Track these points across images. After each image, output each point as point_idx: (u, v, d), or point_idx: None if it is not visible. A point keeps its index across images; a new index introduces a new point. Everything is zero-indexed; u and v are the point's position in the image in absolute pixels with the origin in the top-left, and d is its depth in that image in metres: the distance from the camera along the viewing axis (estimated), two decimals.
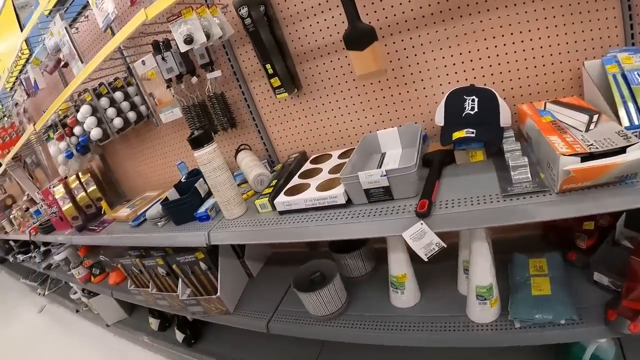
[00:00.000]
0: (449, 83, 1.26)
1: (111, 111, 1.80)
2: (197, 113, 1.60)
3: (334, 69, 1.40)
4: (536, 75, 1.17)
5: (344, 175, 1.06)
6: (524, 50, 1.15)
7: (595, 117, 0.87)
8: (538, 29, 1.11)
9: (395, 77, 1.32)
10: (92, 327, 2.82)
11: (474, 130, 1.02)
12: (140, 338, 2.34)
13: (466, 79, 1.24)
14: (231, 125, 1.59)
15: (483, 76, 1.22)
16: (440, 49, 1.22)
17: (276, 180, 1.34)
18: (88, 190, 2.12)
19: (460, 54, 1.21)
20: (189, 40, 1.30)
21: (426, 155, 1.15)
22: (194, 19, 1.29)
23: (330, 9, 1.29)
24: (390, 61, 1.29)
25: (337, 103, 1.44)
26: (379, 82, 1.35)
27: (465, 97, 1.09)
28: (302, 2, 1.34)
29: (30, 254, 3.44)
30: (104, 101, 1.79)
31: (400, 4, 1.22)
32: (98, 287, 2.39)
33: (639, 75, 0.91)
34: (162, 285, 1.76)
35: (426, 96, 1.31)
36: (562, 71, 1.14)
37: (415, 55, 1.26)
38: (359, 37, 1.15)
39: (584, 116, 0.87)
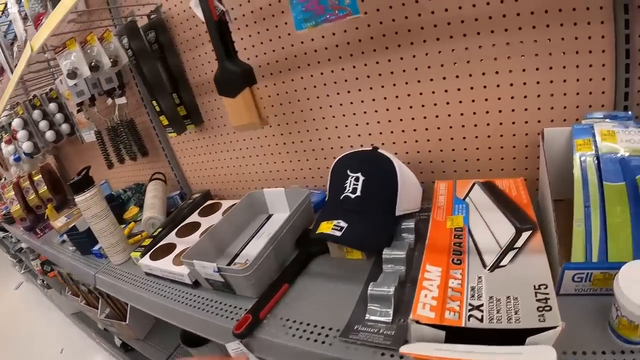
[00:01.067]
0: (359, 135, 1.01)
1: (44, 124, 1.73)
2: (111, 138, 1.49)
3: None
4: (475, 137, 0.87)
5: (183, 258, 0.90)
6: (459, 102, 0.86)
7: (525, 236, 0.59)
8: (485, 72, 0.80)
9: (305, 121, 1.07)
10: (57, 313, 2.84)
11: (345, 226, 0.76)
12: (91, 334, 2.37)
13: (381, 132, 0.98)
14: (142, 153, 1.47)
15: (403, 131, 0.95)
16: (360, 90, 0.96)
17: (160, 230, 1.21)
18: (39, 191, 2.10)
19: (385, 98, 0.95)
20: (71, 75, 1.17)
21: (302, 236, 0.93)
22: (77, 50, 1.16)
23: (239, 29, 1.04)
24: (299, 100, 1.05)
25: (238, 143, 1.23)
26: (287, 123, 1.11)
27: (349, 173, 0.83)
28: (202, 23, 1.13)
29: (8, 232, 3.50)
30: (36, 114, 1.73)
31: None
32: (52, 281, 2.42)
33: (621, 166, 0.56)
34: (87, 299, 1.74)
35: (332, 148, 1.07)
36: (513, 135, 0.84)
37: (328, 95, 1.01)
38: (229, 80, 0.92)
39: (508, 229, 0.62)
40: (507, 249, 0.58)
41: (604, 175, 0.56)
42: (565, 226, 0.57)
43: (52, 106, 1.73)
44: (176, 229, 1.17)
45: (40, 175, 2.11)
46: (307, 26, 0.80)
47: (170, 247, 1.09)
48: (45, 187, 2.09)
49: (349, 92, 0.97)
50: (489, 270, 0.55)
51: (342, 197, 0.82)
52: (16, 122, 1.71)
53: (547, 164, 0.67)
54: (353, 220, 0.77)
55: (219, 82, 0.96)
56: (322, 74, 0.98)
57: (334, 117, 1.02)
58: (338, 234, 0.76)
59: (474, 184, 0.79)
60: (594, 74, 0.73)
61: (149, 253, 1.09)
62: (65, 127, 1.76)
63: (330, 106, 1.01)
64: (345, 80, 0.96)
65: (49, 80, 1.72)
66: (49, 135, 1.73)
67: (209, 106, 1.23)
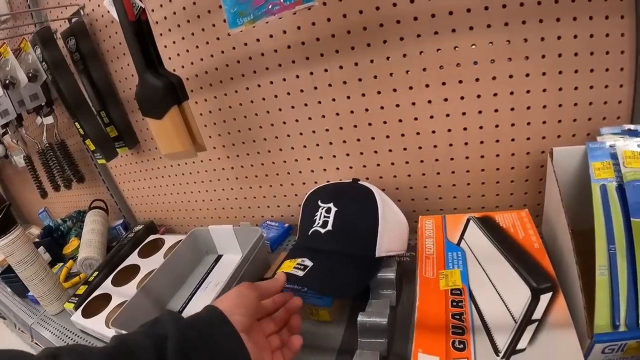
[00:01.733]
0: (321, 158, 0.82)
1: None
2: (43, 162, 1.27)
3: None
4: (466, 158, 0.71)
5: (112, 324, 0.70)
6: (446, 116, 0.69)
7: (545, 301, 0.43)
8: (479, 78, 0.64)
9: (254, 141, 0.87)
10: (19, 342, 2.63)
11: (309, 265, 0.58)
12: None
13: (347, 154, 0.79)
14: (78, 179, 1.25)
15: (375, 152, 0.76)
16: (319, 102, 0.76)
17: (96, 274, 1.01)
18: None
19: (352, 112, 0.76)
20: None
21: None
22: None
23: (170, 30, 0.83)
24: (245, 116, 0.85)
25: (179, 167, 1.03)
26: (232, 145, 0.90)
27: (320, 204, 0.66)
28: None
29: None
30: None
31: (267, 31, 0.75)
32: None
33: None
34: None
35: (288, 173, 0.88)
36: (512, 154, 0.68)
37: (280, 110, 0.81)
38: (151, 97, 0.72)
39: (521, 291, 0.45)
40: (524, 322, 0.42)
41: (631, 209, 0.43)
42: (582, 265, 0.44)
43: None
44: (112, 275, 0.97)
45: None
46: (243, 22, 0.61)
47: (105, 299, 0.91)
48: None
49: (306, 104, 0.77)
50: (503, 358, 0.40)
51: (310, 232, 0.64)
52: None
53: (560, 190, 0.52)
54: (320, 259, 0.60)
55: (141, 100, 0.76)
56: (271, 82, 0.78)
57: (288, 135, 0.82)
58: (300, 273, 0.58)
59: (468, 221, 0.62)
60: (611, 80, 0.59)
61: (82, 307, 0.90)
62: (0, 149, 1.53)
63: (284, 123, 0.81)
64: (301, 91, 0.76)
65: None
66: None
67: (143, 124, 1.03)
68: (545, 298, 0.44)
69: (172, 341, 0.39)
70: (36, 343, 1.08)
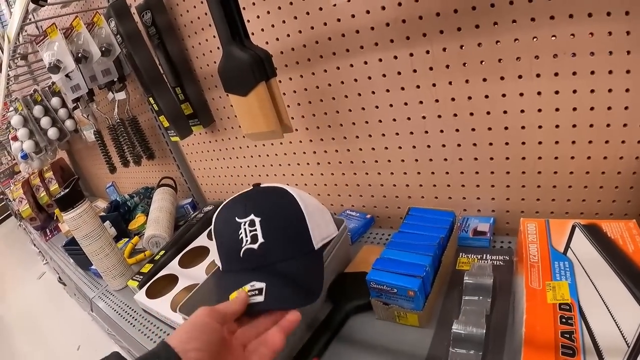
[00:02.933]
0: (414, 147, 0.75)
1: (45, 121, 1.55)
2: (113, 138, 1.28)
3: None
4: (555, 158, 0.64)
5: (179, 310, 0.68)
6: (557, 110, 0.60)
7: None
8: (594, 71, 0.55)
9: (341, 125, 0.81)
10: (77, 308, 2.78)
11: (263, 286, 0.53)
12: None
13: (443, 145, 0.72)
14: (148, 156, 1.25)
15: (474, 144, 0.69)
16: (417, 86, 0.70)
17: (162, 253, 1.00)
18: (50, 189, 1.96)
19: (453, 99, 0.69)
20: (54, 69, 0.96)
21: (336, 283, 0.70)
22: (59, 39, 0.95)
23: (254, 4, 0.78)
24: (333, 98, 0.79)
25: (256, 149, 0.99)
26: (317, 127, 0.85)
27: (239, 221, 0.59)
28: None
29: None
30: (37, 110, 1.54)
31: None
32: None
33: None
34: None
35: (376, 161, 0.81)
36: (621, 158, 0.59)
37: (373, 93, 0.74)
38: (237, 73, 0.67)
39: (634, 312, 0.41)
40: (637, 347, 0.38)
41: None
42: None
43: (55, 101, 1.54)
44: (180, 255, 0.95)
45: (51, 172, 1.97)
46: None
47: (171, 280, 0.90)
48: (57, 184, 1.95)
49: (402, 88, 0.70)
50: None
51: (242, 252, 0.58)
52: (15, 120, 1.53)
53: None
54: (269, 276, 0.55)
55: (225, 74, 0.71)
56: (365, 63, 0.71)
57: (380, 121, 0.76)
58: (260, 299, 0.52)
59: (574, 227, 0.55)
60: None
61: (146, 287, 0.88)
62: (69, 124, 1.56)
63: (377, 107, 0.75)
64: (399, 73, 0.69)
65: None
66: (52, 133, 1.55)
67: (220, 103, 0.99)
68: None
69: None
70: (95, 315, 1.10)
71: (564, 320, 0.43)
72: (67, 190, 0.93)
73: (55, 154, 1.96)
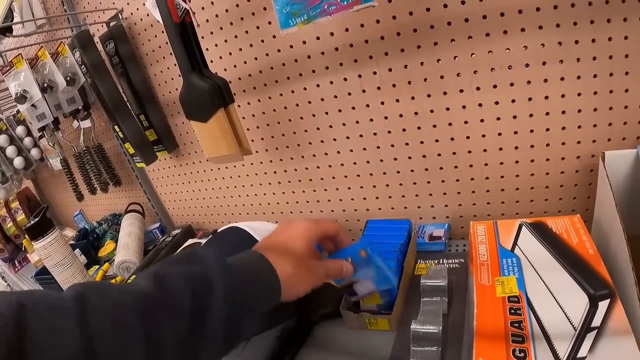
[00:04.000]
0: (368, 162, 0.80)
1: (11, 150, 1.53)
2: (79, 165, 1.28)
3: None
4: (516, 162, 0.68)
5: None
6: (497, 119, 0.67)
7: (603, 308, 0.42)
8: (530, 81, 0.61)
9: (299, 145, 0.85)
10: None
11: None
12: None
13: (395, 158, 0.77)
14: (114, 182, 1.26)
15: (424, 156, 0.74)
16: (367, 105, 0.75)
17: (134, 276, 1.00)
18: (17, 219, 1.92)
19: (401, 115, 0.74)
20: (20, 99, 0.97)
21: None
22: (25, 69, 0.96)
23: (212, 33, 0.82)
24: (290, 120, 0.83)
25: (220, 172, 1.02)
26: (276, 149, 0.88)
27: None
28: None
29: None
30: (2, 139, 1.53)
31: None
32: None
33: None
34: None
35: (333, 177, 0.85)
36: (563, 158, 0.64)
37: (327, 113, 0.79)
38: (197, 100, 0.71)
39: (579, 299, 0.44)
40: (584, 330, 0.41)
41: None
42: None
43: (20, 130, 1.53)
44: None
45: (17, 202, 1.93)
46: (296, 23, 0.59)
47: None
48: (24, 214, 1.91)
49: (353, 108, 0.75)
50: None
51: None
52: None
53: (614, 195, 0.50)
54: None
55: (186, 102, 0.75)
56: (318, 86, 0.76)
57: (335, 140, 0.80)
58: None
59: (520, 226, 0.60)
60: None
61: None
62: (35, 153, 1.55)
63: (330, 126, 0.79)
64: (349, 94, 0.74)
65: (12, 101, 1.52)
66: (18, 162, 1.53)
67: (183, 128, 1.02)
68: (603, 305, 0.43)
69: (218, 299, 0.37)
70: None
71: (512, 311, 0.46)
72: (37, 219, 0.94)
73: (21, 184, 1.93)
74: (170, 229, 1.21)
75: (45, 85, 1.01)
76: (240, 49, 0.80)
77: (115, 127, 0.97)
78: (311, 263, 0.48)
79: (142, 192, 1.25)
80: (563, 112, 0.61)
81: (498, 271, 0.53)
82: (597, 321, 0.41)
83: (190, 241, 1.05)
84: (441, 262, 0.72)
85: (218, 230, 0.70)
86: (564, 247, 0.53)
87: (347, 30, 0.68)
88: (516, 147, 0.66)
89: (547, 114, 0.62)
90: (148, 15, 0.89)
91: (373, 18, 0.65)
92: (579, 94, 0.59)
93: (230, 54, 0.82)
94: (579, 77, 0.57)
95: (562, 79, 0.58)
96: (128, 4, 0.92)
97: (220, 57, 0.83)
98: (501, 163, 0.69)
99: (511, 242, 0.58)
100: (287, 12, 0.59)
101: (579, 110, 0.60)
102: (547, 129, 0.63)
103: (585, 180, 0.65)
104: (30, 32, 1.15)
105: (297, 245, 0.47)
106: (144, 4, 0.83)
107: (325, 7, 0.56)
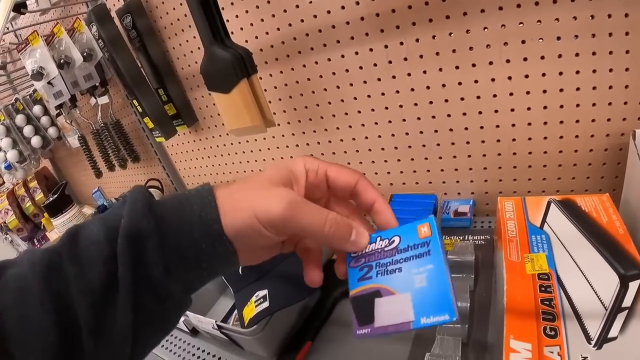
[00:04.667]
0: (392, 135, 0.78)
1: (28, 129, 1.54)
2: (97, 142, 1.28)
3: None
4: (544, 138, 0.66)
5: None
6: (528, 93, 0.64)
7: (634, 288, 0.41)
8: (561, 55, 0.58)
9: (322, 117, 0.84)
10: None
11: (265, 293, 0.59)
12: None
13: (421, 132, 0.75)
14: (133, 159, 1.26)
15: (450, 130, 0.72)
16: (393, 76, 0.72)
17: None
18: (35, 199, 1.95)
19: (428, 87, 0.72)
20: (37, 76, 0.97)
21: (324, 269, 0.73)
22: (41, 46, 0.95)
23: (232, 4, 0.80)
24: (313, 92, 0.81)
25: (240, 145, 1.01)
26: (299, 121, 0.87)
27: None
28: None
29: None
30: (19, 119, 1.53)
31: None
32: None
33: None
34: None
35: (357, 151, 0.85)
36: (592, 136, 0.62)
37: (351, 85, 0.77)
38: (219, 71, 0.70)
39: (609, 278, 0.43)
40: (614, 310, 0.40)
41: None
42: None
43: (37, 109, 1.53)
44: None
45: (35, 182, 1.96)
46: None
47: None
48: (42, 193, 1.94)
49: (379, 79, 0.73)
50: (595, 347, 0.38)
51: (240, 269, 0.66)
52: None
53: None
54: (272, 281, 0.62)
55: (207, 73, 0.74)
56: (342, 56, 0.74)
57: (359, 112, 0.79)
58: (266, 304, 0.58)
59: (549, 204, 0.58)
60: None
61: None
62: (52, 131, 1.56)
63: (355, 98, 0.78)
64: (375, 65, 0.72)
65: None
66: (35, 141, 1.54)
67: (202, 102, 1.01)
68: (634, 285, 0.41)
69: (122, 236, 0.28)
70: None
71: (542, 288, 0.45)
72: (56, 195, 0.94)
73: (39, 163, 1.95)
74: None
75: (62, 61, 1.01)
76: (262, 20, 0.78)
77: (134, 101, 0.96)
78: (281, 189, 0.31)
79: (160, 168, 1.25)
80: (594, 88, 0.58)
81: (527, 248, 0.52)
82: (627, 301, 0.40)
83: None
84: (466, 238, 0.71)
85: None
86: (594, 225, 0.52)
87: None
88: (545, 123, 0.64)
89: (578, 89, 0.59)
90: None
91: None
92: (611, 70, 0.56)
93: (252, 24, 0.80)
94: (610, 53, 0.55)
95: (593, 53, 0.56)
96: None
97: (242, 29, 0.81)
98: (529, 139, 0.67)
99: (540, 219, 0.56)
100: None
101: (610, 87, 0.57)
102: (577, 105, 0.61)
103: (614, 159, 0.63)
104: (46, 8, 1.13)
105: (265, 172, 0.33)
106: None
107: None
